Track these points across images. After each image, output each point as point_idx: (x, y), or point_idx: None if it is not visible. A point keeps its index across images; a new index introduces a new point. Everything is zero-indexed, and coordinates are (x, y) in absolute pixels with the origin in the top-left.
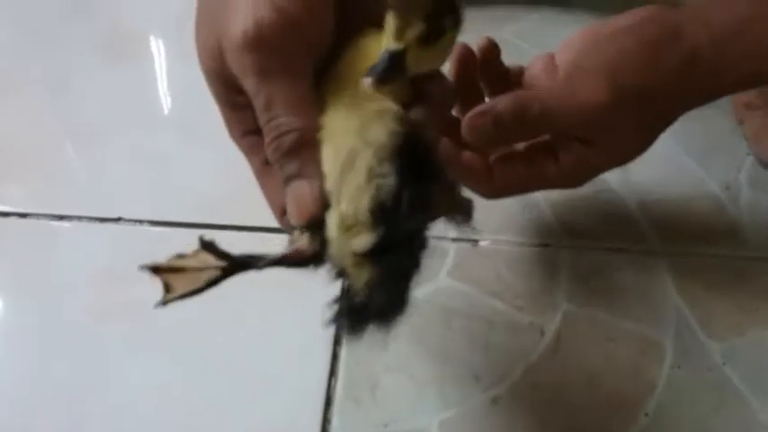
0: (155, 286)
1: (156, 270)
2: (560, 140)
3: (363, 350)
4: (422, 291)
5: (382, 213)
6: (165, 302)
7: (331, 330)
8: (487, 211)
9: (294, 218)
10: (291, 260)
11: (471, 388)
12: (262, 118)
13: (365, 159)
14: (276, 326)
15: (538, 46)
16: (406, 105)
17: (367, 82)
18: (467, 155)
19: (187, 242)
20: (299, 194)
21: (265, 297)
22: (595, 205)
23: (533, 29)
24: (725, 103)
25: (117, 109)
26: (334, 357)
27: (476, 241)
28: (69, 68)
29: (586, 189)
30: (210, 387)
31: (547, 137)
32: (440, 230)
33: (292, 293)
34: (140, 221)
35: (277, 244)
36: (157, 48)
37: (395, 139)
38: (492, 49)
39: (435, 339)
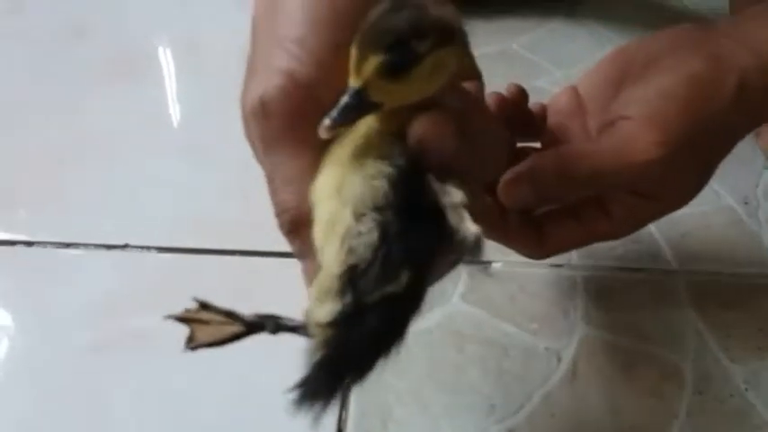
0: (162, 315)
1: (182, 319)
2: (611, 194)
3: (374, 380)
4: (434, 316)
5: (352, 278)
6: (190, 348)
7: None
8: None
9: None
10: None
11: (487, 419)
12: (269, 191)
13: (343, 220)
14: (283, 356)
15: (547, 58)
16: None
17: (321, 127)
18: (513, 224)
19: (195, 269)
20: (304, 274)
21: None
22: None
23: (543, 41)
24: None
25: (124, 133)
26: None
27: (488, 263)
28: (75, 92)
29: None
30: (215, 418)
31: None
32: None
33: None
34: (147, 248)
35: (287, 267)
36: (167, 68)
37: (376, 187)
38: (520, 94)
39: (448, 367)
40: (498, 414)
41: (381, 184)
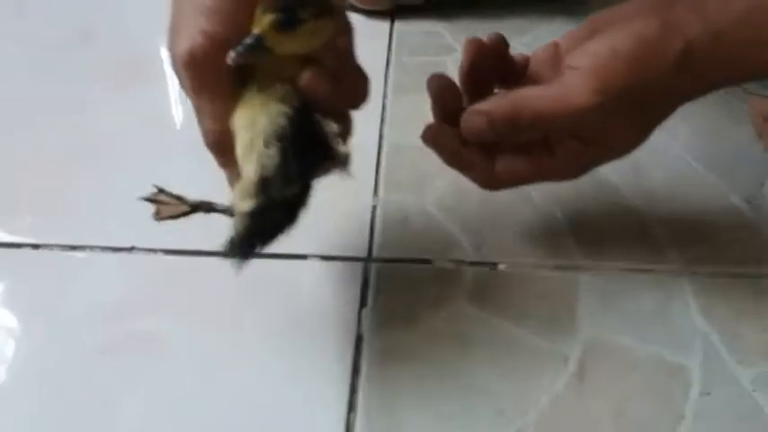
0: (169, 317)
1: (151, 200)
2: (555, 136)
3: (383, 385)
4: (440, 317)
5: (264, 185)
6: (157, 220)
7: (349, 366)
8: (504, 232)
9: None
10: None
11: (496, 423)
12: (197, 121)
13: (257, 146)
14: (291, 359)
15: None
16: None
17: (228, 56)
18: (467, 151)
19: (201, 271)
20: (228, 179)
21: (280, 329)
22: (613, 223)
23: (544, 40)
24: (744, 115)
25: (129, 135)
26: (353, 392)
27: (494, 264)
28: (80, 95)
29: (603, 206)
30: (221, 422)
31: None
32: (457, 254)
33: (308, 328)
34: (154, 250)
35: (303, 270)
36: (170, 70)
37: (278, 123)
38: (500, 42)
39: (456, 371)
40: (507, 417)
41: (282, 121)
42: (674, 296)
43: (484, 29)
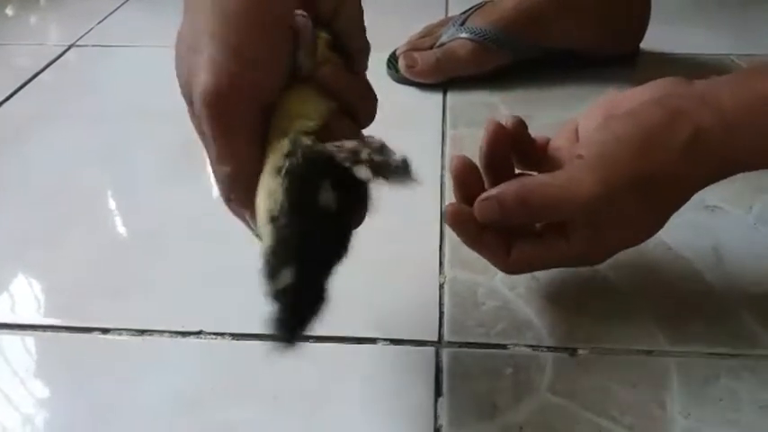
0: (245, 406)
1: None
2: (570, 222)
3: None
4: (523, 410)
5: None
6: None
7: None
8: (580, 314)
9: None
10: None
11: None
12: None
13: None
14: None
15: None
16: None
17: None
18: (488, 236)
19: (270, 356)
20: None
21: (357, 418)
22: (695, 305)
23: None
24: None
25: (190, 219)
26: None
27: (574, 350)
28: (142, 181)
29: (683, 285)
30: None
31: None
32: (532, 338)
33: (385, 418)
34: (222, 334)
35: (373, 354)
36: None
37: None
38: (519, 125)
39: None
40: None
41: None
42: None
43: (538, 99)
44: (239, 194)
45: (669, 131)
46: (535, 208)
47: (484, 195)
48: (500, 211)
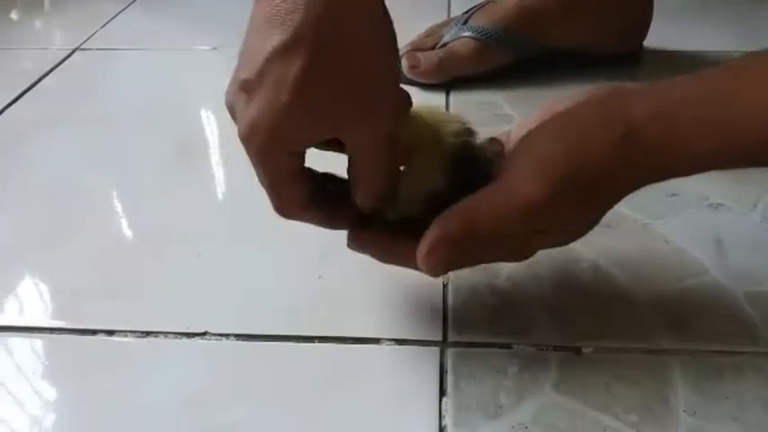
0: (248, 406)
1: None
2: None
3: None
4: (526, 409)
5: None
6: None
7: None
8: (585, 313)
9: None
10: None
11: None
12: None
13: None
14: None
15: None
16: None
17: None
18: (400, 244)
19: (271, 357)
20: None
21: (362, 418)
22: (699, 301)
23: None
24: None
25: (193, 221)
26: None
27: (578, 349)
28: (145, 184)
29: (687, 282)
30: None
31: None
32: (537, 337)
33: (389, 418)
34: (227, 335)
35: (377, 355)
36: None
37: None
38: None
39: None
40: None
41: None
42: None
43: (541, 98)
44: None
45: (600, 130)
46: (483, 230)
47: (425, 247)
48: (450, 251)
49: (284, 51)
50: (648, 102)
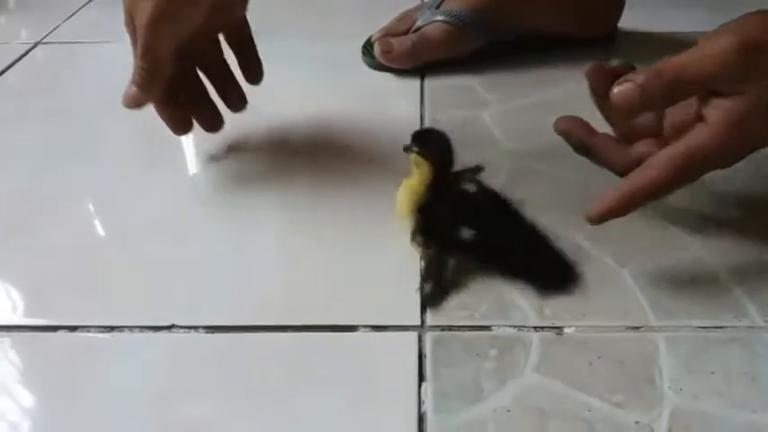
0: (218, 401)
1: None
2: (703, 103)
3: None
4: (508, 391)
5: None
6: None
7: None
8: (569, 293)
9: None
10: None
11: None
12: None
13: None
14: None
15: (587, 106)
16: None
17: None
18: (601, 136)
19: (243, 349)
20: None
21: (337, 408)
22: (683, 278)
23: (578, 90)
24: None
25: (161, 211)
26: None
27: (560, 329)
28: (110, 177)
29: (669, 259)
30: None
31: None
32: (517, 318)
33: (367, 405)
34: (194, 328)
35: (354, 342)
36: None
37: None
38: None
39: None
40: None
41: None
42: (760, 354)
43: (515, 82)
44: (152, 85)
45: None
46: (671, 80)
47: (619, 80)
48: (638, 89)
49: None
50: None
